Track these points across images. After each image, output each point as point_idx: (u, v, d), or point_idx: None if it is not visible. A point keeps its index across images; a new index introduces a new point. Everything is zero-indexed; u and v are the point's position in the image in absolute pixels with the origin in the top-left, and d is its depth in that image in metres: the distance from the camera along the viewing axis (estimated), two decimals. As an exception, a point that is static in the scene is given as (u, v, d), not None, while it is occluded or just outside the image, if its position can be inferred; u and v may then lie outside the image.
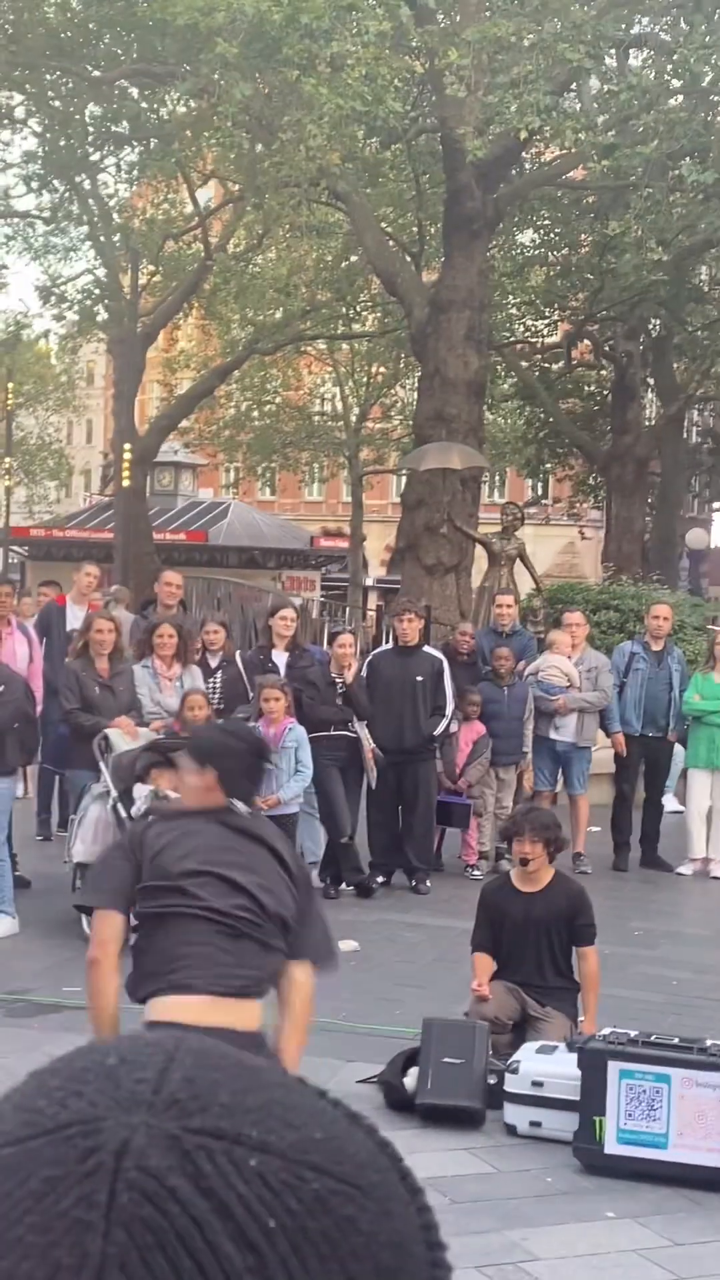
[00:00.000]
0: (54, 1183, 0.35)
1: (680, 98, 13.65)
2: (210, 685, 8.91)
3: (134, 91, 14.99)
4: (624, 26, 13.60)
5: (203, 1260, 0.34)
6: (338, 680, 9.07)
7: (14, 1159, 0.36)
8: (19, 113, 15.64)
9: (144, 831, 3.44)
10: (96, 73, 14.62)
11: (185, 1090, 0.37)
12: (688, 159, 13.11)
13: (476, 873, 9.46)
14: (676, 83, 13.66)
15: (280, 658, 9.19)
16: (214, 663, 9.23)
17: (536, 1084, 5.15)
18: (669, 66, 13.69)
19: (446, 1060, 5.26)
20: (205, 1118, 0.37)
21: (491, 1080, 5.39)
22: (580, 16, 12.78)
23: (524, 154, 14.77)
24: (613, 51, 14.06)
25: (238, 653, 9.93)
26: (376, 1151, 0.41)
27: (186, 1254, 0.34)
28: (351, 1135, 0.40)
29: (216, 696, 8.88)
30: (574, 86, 13.68)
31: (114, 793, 7.78)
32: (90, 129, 15.60)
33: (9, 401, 26.08)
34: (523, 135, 12.75)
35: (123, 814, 7.51)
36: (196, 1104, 0.37)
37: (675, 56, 13.36)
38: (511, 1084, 5.24)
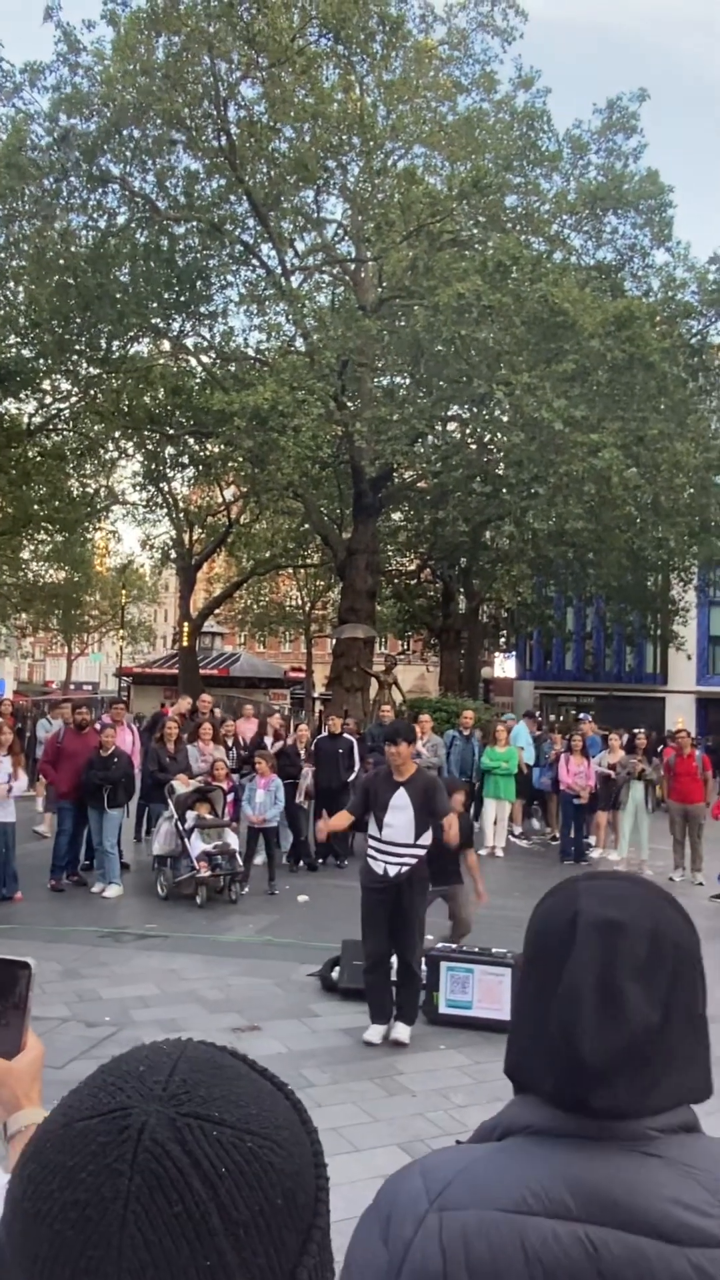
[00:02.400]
0: (104, 1145, 0.55)
1: (474, 448, 20.56)
2: (230, 755, 12.03)
3: (191, 440, 22.38)
4: (444, 412, 20.31)
5: (182, 1192, 0.53)
6: (299, 754, 12.32)
7: (81, 1129, 0.56)
8: (129, 450, 23.63)
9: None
10: (171, 432, 22.11)
11: (181, 1089, 0.57)
12: (478, 478, 19.17)
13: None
14: (472, 441, 20.92)
15: (268, 741, 12.56)
16: (230, 743, 12.48)
17: (403, 978, 6.47)
18: (467, 431, 21.07)
19: (355, 962, 6.69)
20: (190, 1105, 0.56)
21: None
22: (423, 406, 18.74)
23: (394, 474, 20.71)
24: (439, 425, 20.92)
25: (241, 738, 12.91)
26: (291, 1112, 0.62)
27: (174, 1189, 0.53)
28: (277, 1104, 0.61)
29: (233, 762, 11.94)
30: (419, 441, 19.85)
31: (175, 815, 10.12)
32: (168, 461, 23.62)
33: (125, 601, 36.34)
34: (392, 466, 19.50)
35: (180, 827, 9.96)
36: (186, 1097, 0.57)
37: (468, 429, 20.84)
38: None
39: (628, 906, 1.01)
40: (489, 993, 6.31)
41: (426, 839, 6.09)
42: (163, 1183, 0.53)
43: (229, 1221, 0.54)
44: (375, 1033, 6.13)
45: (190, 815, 10.14)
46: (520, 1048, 1.04)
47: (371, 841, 6.11)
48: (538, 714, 19.64)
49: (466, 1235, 0.91)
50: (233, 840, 10.25)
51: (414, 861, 6.06)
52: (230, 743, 12.32)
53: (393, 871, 6.02)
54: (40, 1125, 0.61)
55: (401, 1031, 6.16)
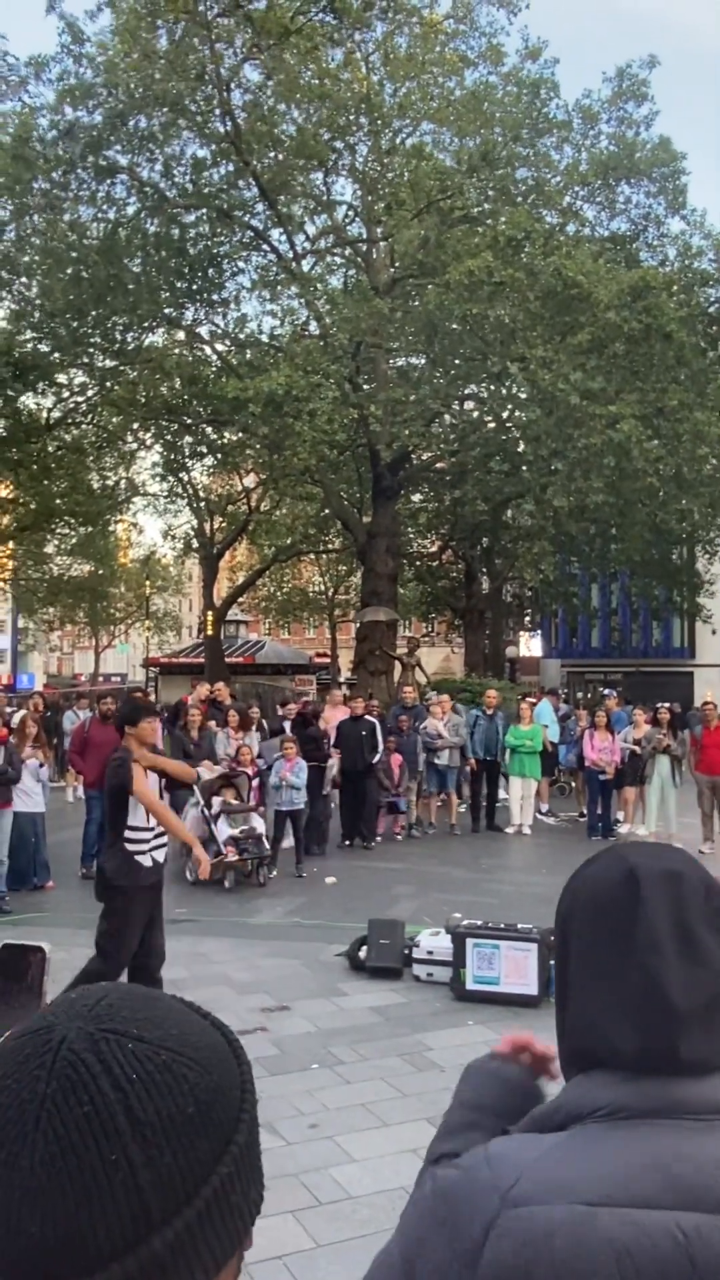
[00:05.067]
0: (28, 1056, 0.62)
1: (491, 426, 20.39)
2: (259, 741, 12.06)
3: (208, 429, 22.26)
4: (460, 391, 20.31)
5: (92, 1094, 0.60)
6: (326, 739, 12.28)
7: (12, 1045, 0.64)
8: (148, 441, 23.72)
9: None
10: (189, 421, 21.98)
11: (105, 1010, 0.64)
12: (497, 456, 18.97)
13: (399, 837, 12.84)
14: (489, 419, 20.76)
15: (286, 725, 12.54)
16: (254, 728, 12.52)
17: (430, 952, 6.91)
18: (484, 409, 20.96)
19: (381, 941, 6.97)
20: (111, 1023, 0.63)
21: (405, 951, 7.03)
22: (438, 386, 18.65)
23: (411, 456, 20.42)
24: (455, 404, 20.81)
25: (265, 723, 13.13)
26: (223, 1044, 0.68)
27: (85, 1092, 0.60)
28: (205, 1034, 0.67)
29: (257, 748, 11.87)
30: (435, 421, 19.87)
31: (201, 801, 10.48)
32: (186, 450, 23.69)
33: (149, 592, 36.58)
34: (410, 448, 19.18)
35: (206, 813, 10.35)
36: (108, 1017, 0.64)
37: (485, 407, 20.75)
38: (416, 953, 6.97)
39: (677, 860, 1.03)
40: (515, 968, 6.30)
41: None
42: (75, 1086, 0.60)
43: (135, 1122, 0.60)
44: None
45: (216, 801, 10.19)
46: (587, 1021, 0.99)
47: (134, 834, 5.41)
48: (562, 691, 19.46)
49: (548, 1232, 0.85)
50: (259, 824, 10.29)
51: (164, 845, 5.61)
52: (254, 728, 12.47)
53: (160, 858, 5.51)
54: None
55: None
